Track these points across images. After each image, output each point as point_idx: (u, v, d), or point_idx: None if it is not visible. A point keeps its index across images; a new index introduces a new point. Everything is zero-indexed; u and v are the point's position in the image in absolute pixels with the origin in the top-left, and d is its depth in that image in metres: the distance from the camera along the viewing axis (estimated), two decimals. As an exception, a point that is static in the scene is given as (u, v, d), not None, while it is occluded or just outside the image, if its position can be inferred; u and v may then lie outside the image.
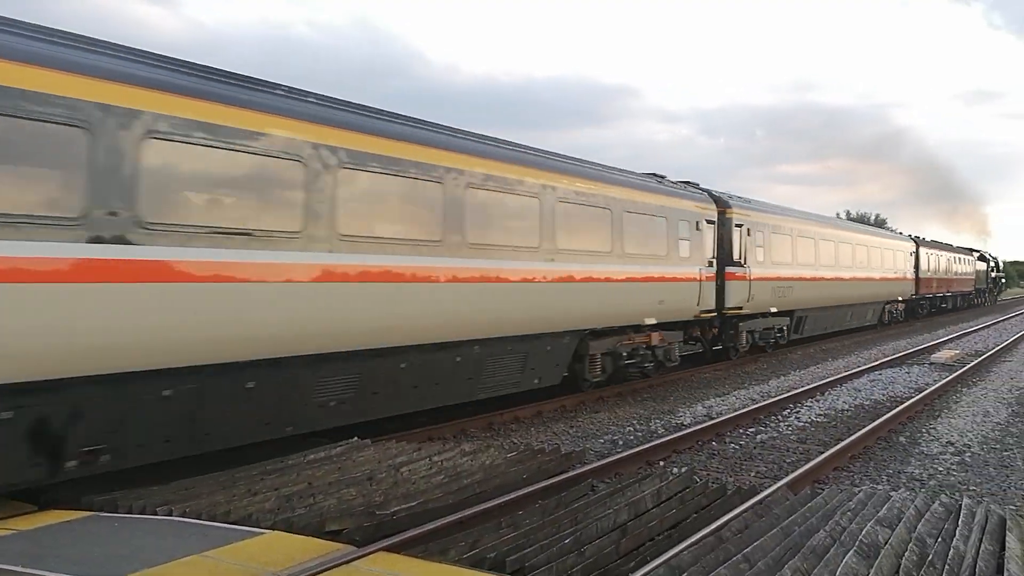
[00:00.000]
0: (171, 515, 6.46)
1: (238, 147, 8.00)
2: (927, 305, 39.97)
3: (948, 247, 45.70)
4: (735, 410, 13.07)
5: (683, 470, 8.56)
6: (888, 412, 12.57)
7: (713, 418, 12.34)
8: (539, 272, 12.23)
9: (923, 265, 37.41)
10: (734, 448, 10.67)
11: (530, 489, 7.49)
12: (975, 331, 32.10)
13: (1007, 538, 6.19)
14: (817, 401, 14.30)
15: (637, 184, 15.39)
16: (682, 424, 12.15)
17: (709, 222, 17.80)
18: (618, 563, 5.75)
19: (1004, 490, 8.79)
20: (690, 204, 17.22)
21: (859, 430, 11.15)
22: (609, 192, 14.09)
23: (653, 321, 15.43)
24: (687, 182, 18.41)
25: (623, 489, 7.45)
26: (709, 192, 18.61)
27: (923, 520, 6.42)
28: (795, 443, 10.98)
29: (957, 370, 18.16)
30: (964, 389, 16.11)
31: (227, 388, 8.04)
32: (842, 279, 26.22)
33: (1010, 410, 13.75)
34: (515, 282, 11.74)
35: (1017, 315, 44.73)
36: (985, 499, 8.14)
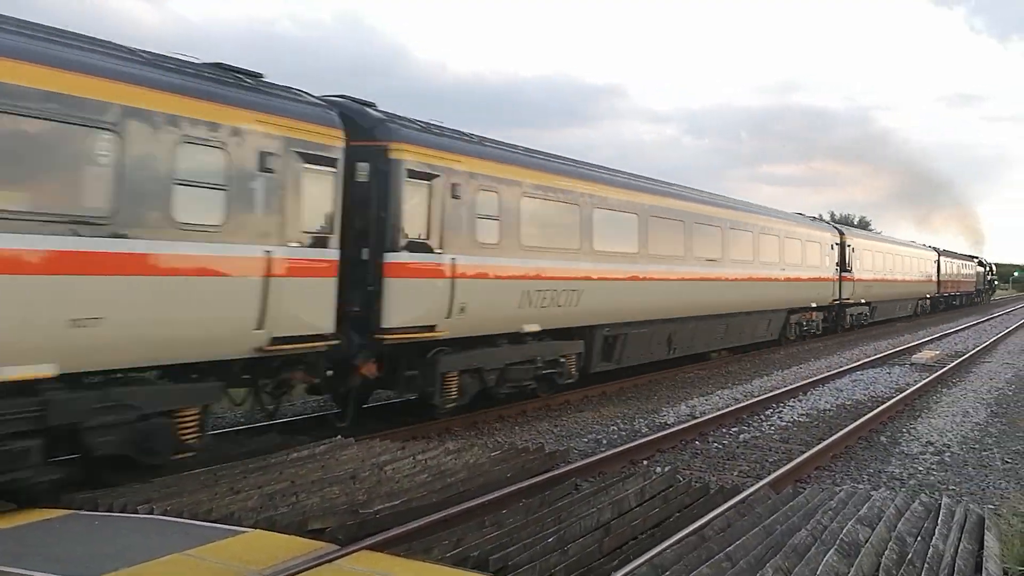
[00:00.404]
0: (152, 513, 6.42)
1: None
2: (943, 301, 48.72)
3: (958, 255, 53.44)
4: (718, 410, 13.14)
5: (666, 469, 8.60)
6: (869, 412, 12.68)
7: (696, 417, 12.40)
8: (770, 276, 21.85)
9: (942, 270, 46.89)
10: (717, 447, 10.72)
11: (514, 488, 7.50)
12: (955, 332, 32.40)
13: (985, 537, 6.26)
14: (799, 401, 14.40)
15: (809, 224, 27.67)
16: (666, 423, 12.20)
17: (835, 245, 28.06)
18: (601, 562, 5.77)
19: (983, 489, 8.89)
20: (827, 234, 28.12)
21: (841, 430, 11.24)
22: (803, 231, 25.46)
23: (814, 304, 26.23)
24: (814, 217, 29.70)
25: (606, 488, 7.47)
26: (834, 224, 31.14)
27: (903, 519, 6.48)
28: (778, 443, 11.05)
29: (937, 370, 18.34)
30: (944, 389, 16.27)
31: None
32: (896, 280, 36.78)
33: (989, 410, 13.90)
34: (762, 281, 21.28)
35: (996, 317, 45.20)
36: (964, 498, 8.22)
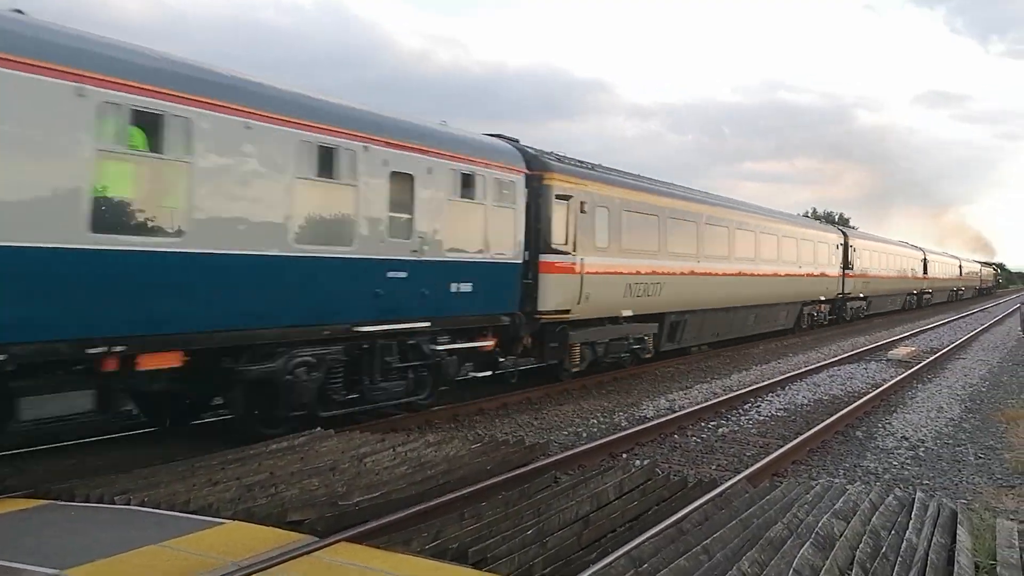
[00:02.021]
0: (129, 504, 6.38)
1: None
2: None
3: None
4: (697, 404, 13.22)
5: (645, 462, 8.65)
6: (846, 407, 12.81)
7: (676, 411, 12.47)
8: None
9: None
10: (696, 441, 10.80)
11: (493, 480, 7.51)
12: (932, 328, 32.80)
13: (958, 531, 6.35)
14: (777, 396, 14.52)
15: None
16: (645, 417, 12.26)
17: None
18: (580, 554, 5.79)
19: (956, 484, 9.01)
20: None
21: (817, 424, 11.35)
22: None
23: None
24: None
25: (586, 481, 7.50)
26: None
27: (877, 513, 6.56)
28: (755, 437, 11.14)
29: (913, 366, 18.55)
30: (919, 385, 16.47)
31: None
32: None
33: (963, 406, 14.08)
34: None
35: (970, 314, 45.78)
36: (937, 493, 8.34)
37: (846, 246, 31.87)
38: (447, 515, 6.51)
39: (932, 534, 6.16)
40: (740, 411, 12.99)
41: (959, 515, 6.75)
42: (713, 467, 9.43)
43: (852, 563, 5.42)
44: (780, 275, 24.10)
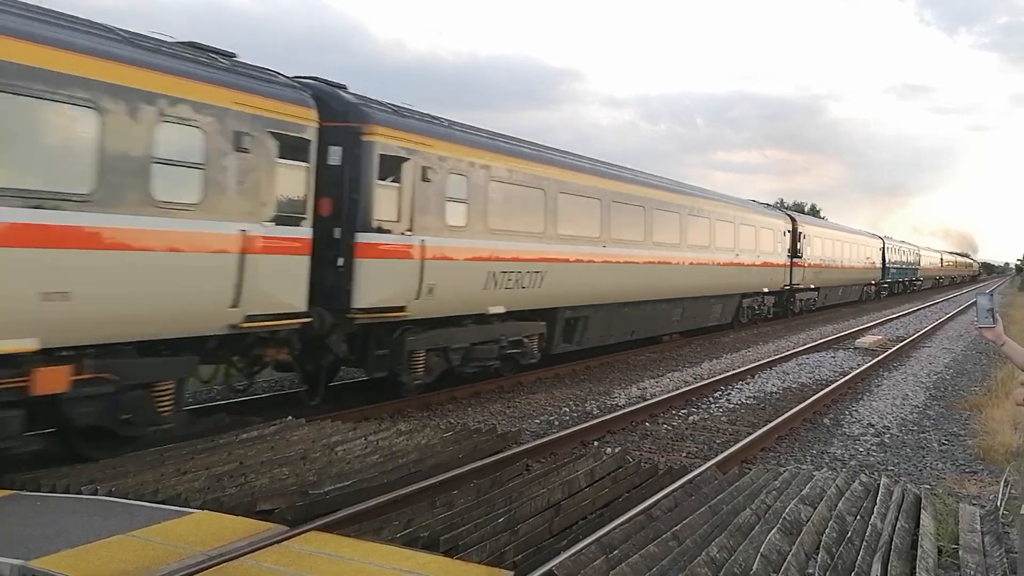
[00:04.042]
0: (97, 494, 6.30)
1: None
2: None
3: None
4: (668, 392, 13.32)
5: (616, 450, 8.70)
6: (814, 395, 12.98)
7: (647, 399, 12.56)
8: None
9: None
10: (667, 429, 10.89)
11: (465, 468, 7.52)
12: (898, 317, 33.30)
13: (921, 516, 6.48)
14: (747, 384, 14.67)
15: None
16: (617, 405, 12.34)
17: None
18: (551, 541, 5.83)
19: (920, 470, 9.19)
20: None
21: (786, 412, 11.49)
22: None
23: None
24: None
25: (557, 469, 7.54)
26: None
27: (843, 499, 6.67)
28: (725, 424, 11.26)
29: (880, 355, 18.85)
30: (885, 373, 16.73)
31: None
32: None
33: (928, 394, 14.34)
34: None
35: (935, 304, 46.56)
36: (902, 479, 8.49)
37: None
38: (419, 503, 6.52)
39: (896, 519, 6.28)
40: (711, 399, 13.12)
41: (923, 500, 6.89)
42: (683, 454, 9.52)
43: (818, 548, 5.51)
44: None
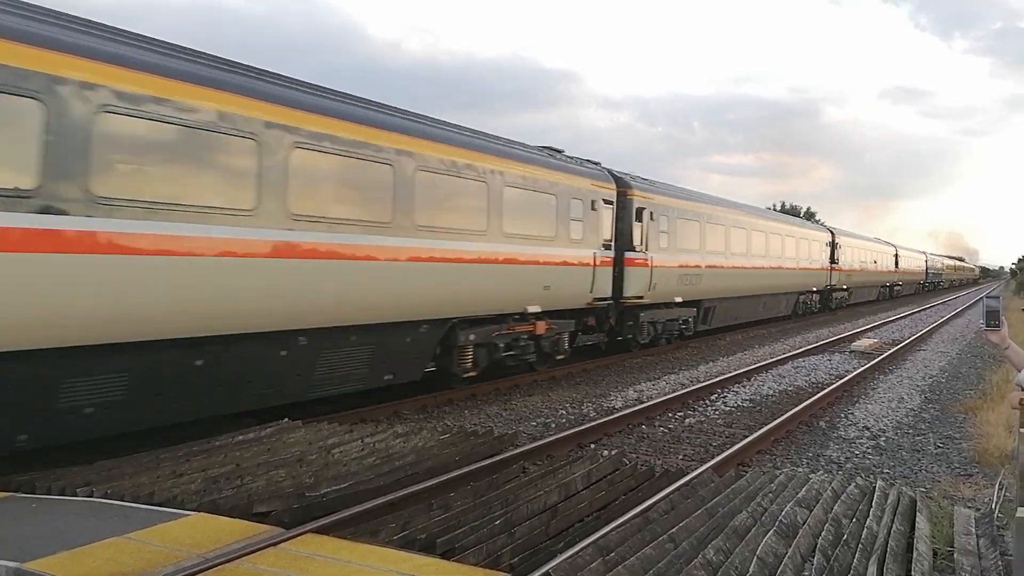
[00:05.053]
0: (92, 496, 6.29)
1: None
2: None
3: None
4: (665, 394, 13.33)
5: (613, 453, 8.70)
6: (810, 398, 13.00)
7: (643, 402, 12.57)
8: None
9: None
10: (663, 431, 10.90)
11: (462, 471, 7.52)
12: (894, 321, 33.37)
13: (917, 518, 6.49)
14: (744, 387, 14.69)
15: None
16: (613, 408, 12.34)
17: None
18: (548, 543, 5.83)
19: (915, 473, 9.20)
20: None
21: (782, 415, 11.50)
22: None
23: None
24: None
25: (554, 471, 7.54)
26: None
27: (839, 501, 6.68)
28: (722, 427, 11.27)
29: (875, 358, 18.87)
30: (881, 376, 16.76)
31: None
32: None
33: (923, 397, 14.37)
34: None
35: (930, 307, 46.67)
36: (898, 481, 8.50)
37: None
38: (415, 506, 6.51)
39: (892, 522, 6.29)
40: (707, 401, 13.13)
41: (918, 503, 6.90)
42: (680, 457, 9.53)
43: (814, 550, 5.51)
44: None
